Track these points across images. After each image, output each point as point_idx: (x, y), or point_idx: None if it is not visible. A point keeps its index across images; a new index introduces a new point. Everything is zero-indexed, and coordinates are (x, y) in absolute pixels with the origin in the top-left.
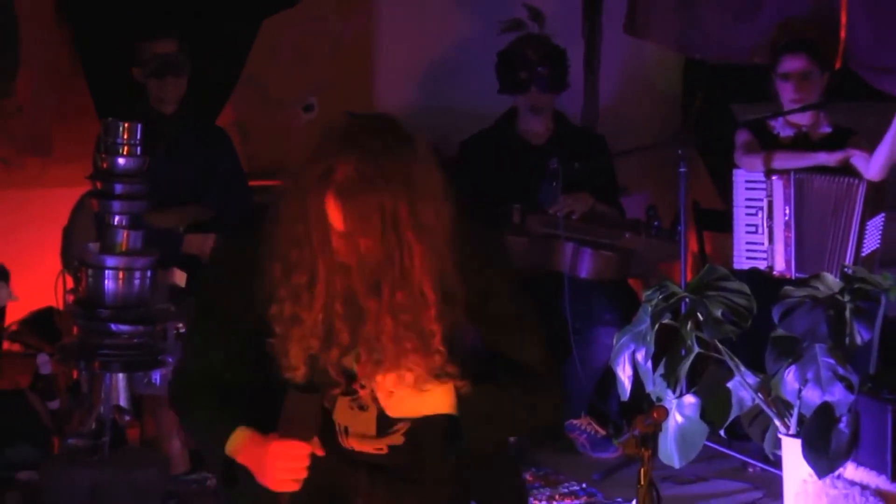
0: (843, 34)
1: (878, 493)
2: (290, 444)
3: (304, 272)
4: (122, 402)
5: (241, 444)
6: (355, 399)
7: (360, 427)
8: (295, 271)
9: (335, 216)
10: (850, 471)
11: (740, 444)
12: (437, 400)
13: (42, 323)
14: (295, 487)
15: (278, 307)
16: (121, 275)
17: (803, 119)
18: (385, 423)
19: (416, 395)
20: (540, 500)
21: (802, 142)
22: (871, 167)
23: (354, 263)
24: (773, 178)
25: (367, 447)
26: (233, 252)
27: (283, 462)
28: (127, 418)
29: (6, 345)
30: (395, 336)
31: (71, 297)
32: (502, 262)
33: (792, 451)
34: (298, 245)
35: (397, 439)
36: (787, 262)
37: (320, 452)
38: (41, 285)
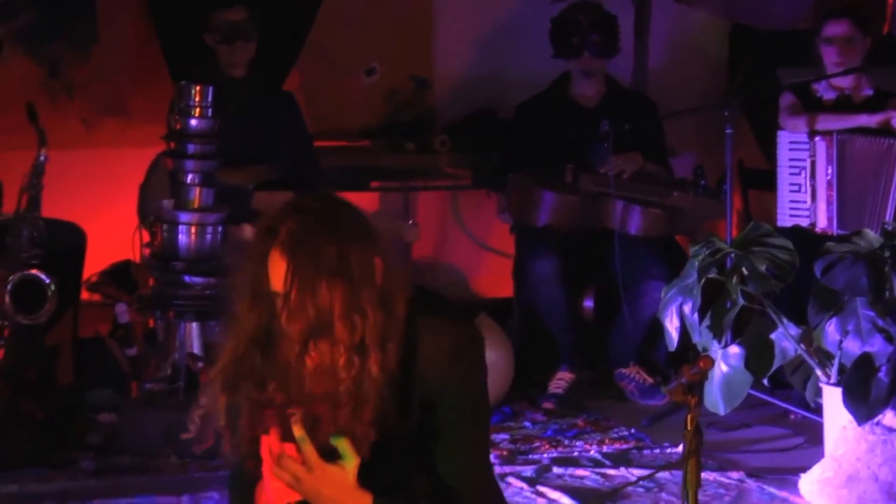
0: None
1: None
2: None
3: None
4: (196, 350)
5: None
6: None
7: None
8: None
9: (277, 273)
10: (889, 417)
11: (783, 392)
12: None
13: (120, 274)
14: (294, 496)
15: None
16: (193, 230)
17: (846, 82)
18: None
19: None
20: (591, 445)
21: (844, 104)
22: None
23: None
24: (817, 139)
25: None
26: None
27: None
28: (200, 365)
29: (87, 295)
30: (307, 392)
31: (147, 251)
32: (466, 354)
33: (832, 399)
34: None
35: None
36: (829, 219)
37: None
38: (119, 239)
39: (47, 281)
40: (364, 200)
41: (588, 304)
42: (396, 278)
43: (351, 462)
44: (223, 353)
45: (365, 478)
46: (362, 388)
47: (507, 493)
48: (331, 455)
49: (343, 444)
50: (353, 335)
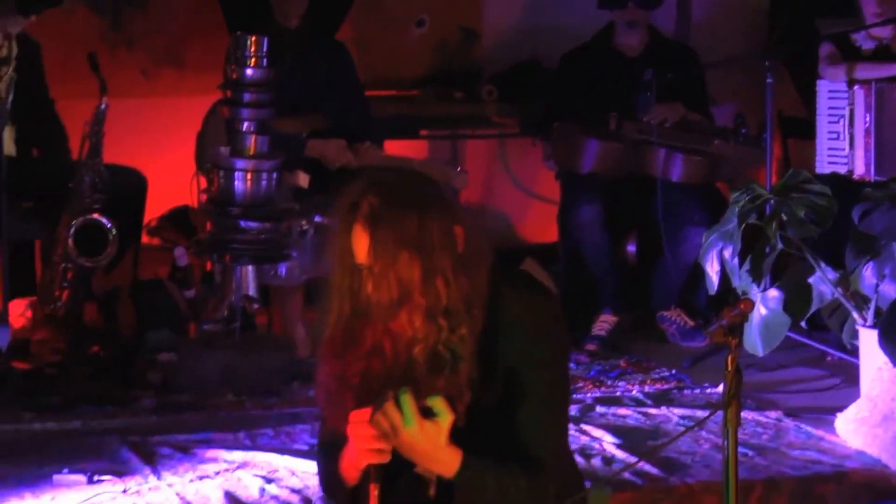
0: None
1: None
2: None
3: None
4: (252, 292)
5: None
6: None
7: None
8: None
9: (361, 246)
10: None
11: (820, 334)
12: (440, 458)
13: (179, 219)
14: (381, 458)
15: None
16: (249, 176)
17: (884, 32)
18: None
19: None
20: (633, 385)
21: (883, 54)
22: None
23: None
24: (855, 87)
25: None
26: None
27: (353, 429)
28: (256, 306)
29: (146, 239)
30: (393, 360)
31: (204, 197)
32: (547, 327)
33: (869, 341)
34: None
35: None
36: (867, 166)
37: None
38: (177, 185)
39: (108, 225)
40: (413, 148)
41: (631, 248)
42: (478, 245)
43: (445, 419)
44: (328, 323)
45: (455, 442)
46: (453, 350)
47: None
48: (424, 415)
49: (438, 402)
50: (437, 302)
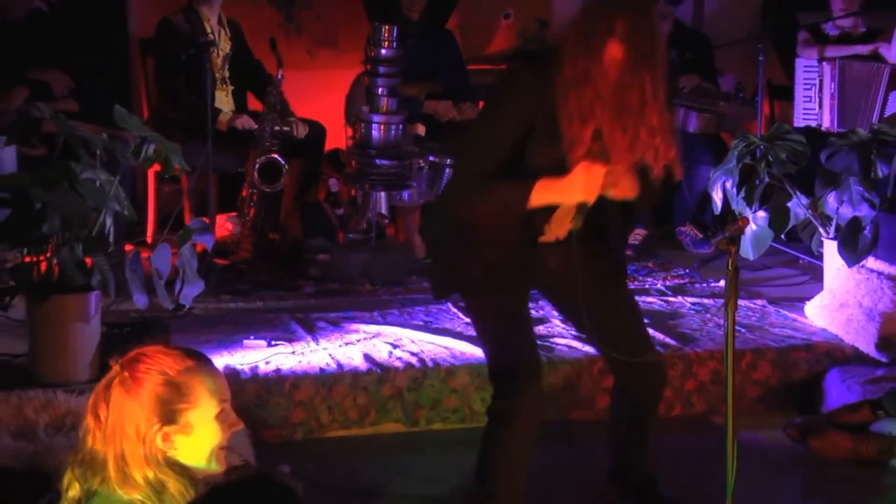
0: None
1: (891, 277)
2: (588, 165)
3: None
4: (383, 210)
5: (542, 187)
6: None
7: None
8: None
9: (616, 54)
10: (871, 262)
11: (795, 244)
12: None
13: (332, 158)
14: (590, 197)
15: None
16: (382, 127)
17: (847, 23)
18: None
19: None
20: (657, 280)
21: (845, 38)
22: (892, 54)
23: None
24: (824, 63)
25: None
26: (528, 78)
27: (583, 175)
28: (386, 221)
29: None
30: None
31: (350, 142)
32: None
33: (831, 249)
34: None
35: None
36: (832, 121)
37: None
38: (331, 133)
39: (283, 162)
40: None
41: None
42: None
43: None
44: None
45: None
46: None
47: None
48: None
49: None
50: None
